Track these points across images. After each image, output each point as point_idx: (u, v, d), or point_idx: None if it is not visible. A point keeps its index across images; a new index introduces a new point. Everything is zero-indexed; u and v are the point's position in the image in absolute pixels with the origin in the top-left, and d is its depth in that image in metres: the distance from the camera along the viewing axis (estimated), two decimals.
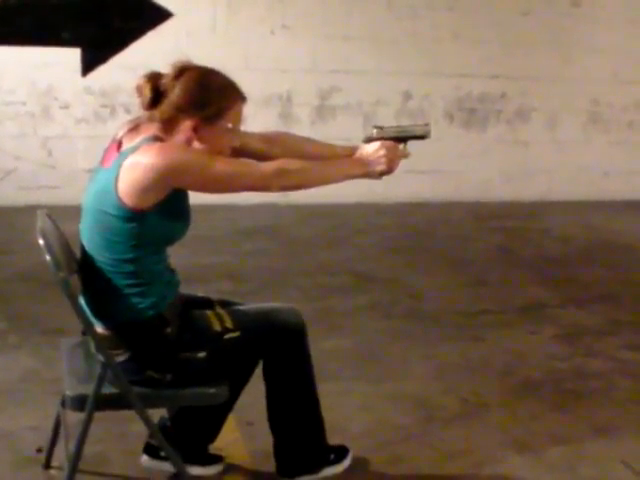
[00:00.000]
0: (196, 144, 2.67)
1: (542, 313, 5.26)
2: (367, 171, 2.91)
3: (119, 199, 2.56)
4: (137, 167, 2.53)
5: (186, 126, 2.65)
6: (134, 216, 2.58)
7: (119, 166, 2.57)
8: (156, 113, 2.66)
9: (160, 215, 2.61)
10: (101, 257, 2.67)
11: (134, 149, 2.60)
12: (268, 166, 2.72)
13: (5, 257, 5.92)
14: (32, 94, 7.45)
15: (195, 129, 2.65)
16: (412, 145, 3.01)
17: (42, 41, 7.19)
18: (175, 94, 2.64)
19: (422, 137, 3.07)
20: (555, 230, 7.79)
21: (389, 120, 7.70)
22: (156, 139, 2.64)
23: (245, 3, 7.85)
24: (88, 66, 7.36)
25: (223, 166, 2.65)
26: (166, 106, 2.64)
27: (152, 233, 2.64)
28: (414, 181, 8.23)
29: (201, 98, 2.65)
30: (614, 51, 8.94)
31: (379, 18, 8.22)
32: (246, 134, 2.92)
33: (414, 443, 3.47)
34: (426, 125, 3.10)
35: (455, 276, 6.03)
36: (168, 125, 2.66)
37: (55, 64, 7.35)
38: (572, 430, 3.65)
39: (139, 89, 2.68)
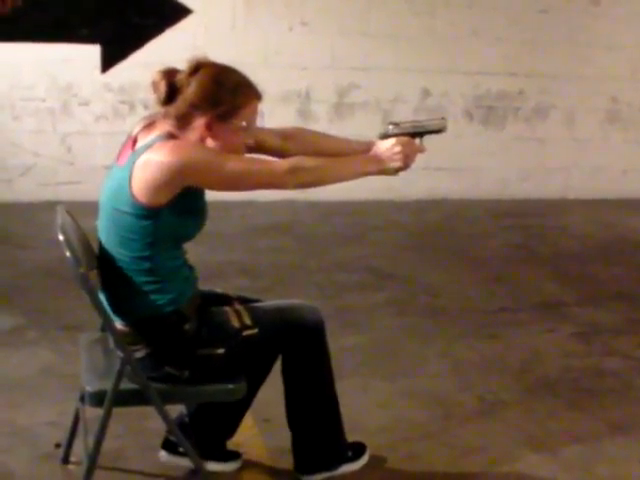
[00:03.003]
0: (209, 142, 2.67)
1: (559, 311, 5.25)
2: (383, 168, 2.89)
3: (133, 197, 2.57)
4: (150, 165, 2.54)
5: (200, 123, 2.65)
6: (149, 213, 2.59)
7: (133, 164, 2.58)
8: (171, 109, 2.66)
9: (175, 212, 2.61)
10: (118, 254, 2.68)
11: (147, 147, 2.61)
12: (283, 164, 2.72)
13: (25, 252, 5.95)
14: (52, 90, 7.47)
15: (209, 127, 2.66)
16: (430, 142, 3.00)
17: (62, 38, 7.21)
18: (190, 91, 2.64)
19: (438, 131, 3.05)
20: (572, 228, 7.76)
21: (407, 117, 7.69)
22: (169, 136, 2.65)
23: (264, 0, 7.86)
24: (107, 63, 7.38)
25: (237, 164, 2.65)
26: (180, 102, 2.65)
27: (167, 230, 2.65)
28: (432, 178, 8.23)
29: (215, 96, 2.65)
30: (633, 49, 8.88)
31: (398, 15, 8.20)
32: (262, 130, 2.93)
33: (430, 440, 3.48)
34: (442, 119, 3.07)
35: (472, 273, 6.03)
36: (182, 122, 2.66)
37: (75, 61, 7.37)
38: (588, 428, 3.65)
39: (154, 85, 2.69)
